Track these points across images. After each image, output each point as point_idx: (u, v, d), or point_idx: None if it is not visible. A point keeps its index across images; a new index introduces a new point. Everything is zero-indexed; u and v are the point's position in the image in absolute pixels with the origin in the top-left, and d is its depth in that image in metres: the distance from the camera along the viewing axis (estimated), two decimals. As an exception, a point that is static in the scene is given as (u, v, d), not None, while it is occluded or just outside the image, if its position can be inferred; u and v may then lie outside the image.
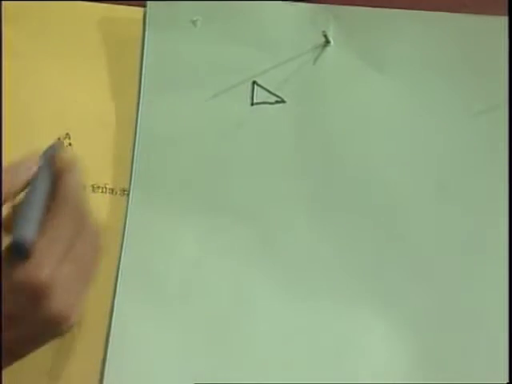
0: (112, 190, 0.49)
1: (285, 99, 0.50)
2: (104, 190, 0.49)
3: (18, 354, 0.39)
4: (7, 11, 0.51)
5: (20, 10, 0.51)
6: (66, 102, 0.50)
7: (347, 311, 0.47)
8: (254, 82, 0.50)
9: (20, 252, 0.38)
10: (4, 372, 0.40)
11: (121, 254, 0.48)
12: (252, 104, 0.50)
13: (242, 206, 0.49)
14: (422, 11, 0.51)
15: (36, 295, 0.37)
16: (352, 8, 0.51)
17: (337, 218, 0.49)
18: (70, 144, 0.50)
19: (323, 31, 0.50)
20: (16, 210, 0.40)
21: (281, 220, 0.49)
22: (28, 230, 0.38)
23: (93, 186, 0.49)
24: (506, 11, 0.50)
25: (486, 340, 0.47)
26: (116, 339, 0.47)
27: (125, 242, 0.48)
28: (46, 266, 0.38)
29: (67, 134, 0.50)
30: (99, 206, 0.48)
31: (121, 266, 0.48)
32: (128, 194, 0.49)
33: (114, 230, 0.48)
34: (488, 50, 0.50)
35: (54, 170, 0.41)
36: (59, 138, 0.49)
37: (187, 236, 0.49)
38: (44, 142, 0.49)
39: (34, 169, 0.40)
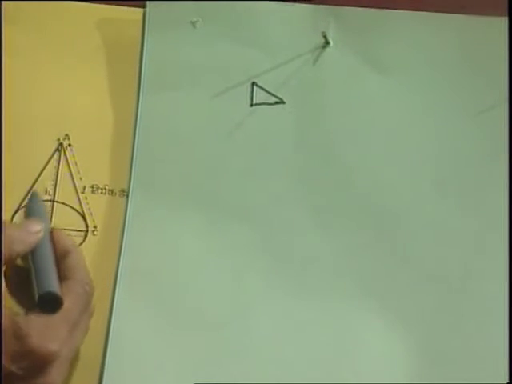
0: (111, 190, 0.49)
1: (284, 100, 0.50)
2: (103, 191, 0.49)
3: None
4: (6, 11, 0.51)
5: (19, 10, 0.51)
6: (65, 103, 0.50)
7: (346, 309, 0.47)
8: (254, 83, 0.50)
9: (52, 303, 0.41)
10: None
11: (120, 254, 0.48)
12: (251, 105, 0.50)
13: (241, 206, 0.49)
14: (421, 12, 0.51)
15: (39, 365, 0.40)
16: (351, 9, 0.51)
17: (336, 217, 0.49)
18: (69, 145, 0.50)
19: (323, 32, 0.50)
20: (33, 268, 0.43)
21: (280, 219, 0.49)
22: (56, 285, 0.42)
23: (92, 187, 0.49)
24: (506, 12, 0.50)
25: (486, 340, 0.47)
26: (115, 338, 0.46)
27: (124, 243, 0.48)
28: (56, 340, 0.40)
29: (66, 134, 0.50)
30: (99, 206, 0.49)
31: (120, 266, 0.48)
32: (127, 195, 0.49)
33: (114, 231, 0.48)
34: (487, 50, 0.50)
35: (56, 249, 0.44)
36: (59, 139, 0.50)
37: (187, 236, 0.48)
38: (44, 143, 0.50)
39: (40, 234, 0.44)
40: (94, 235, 0.48)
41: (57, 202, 0.49)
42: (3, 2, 0.51)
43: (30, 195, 0.48)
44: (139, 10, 0.51)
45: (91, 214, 0.49)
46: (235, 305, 0.47)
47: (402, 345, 0.47)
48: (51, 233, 0.45)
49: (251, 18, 0.51)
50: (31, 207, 0.46)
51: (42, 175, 0.49)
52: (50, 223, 0.48)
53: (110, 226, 0.49)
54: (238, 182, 0.49)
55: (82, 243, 0.48)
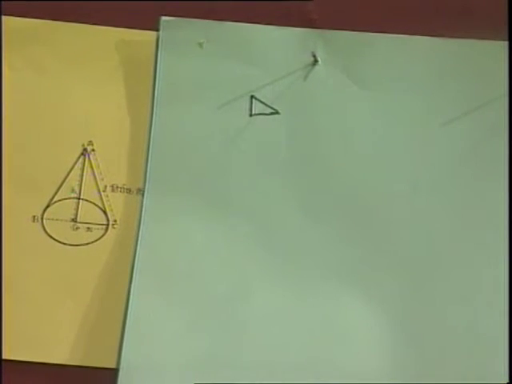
0: (129, 189, 0.51)
1: (279, 111, 0.52)
2: (122, 189, 0.51)
3: None
4: (38, 31, 0.52)
5: (48, 32, 0.52)
6: (89, 114, 0.52)
7: (334, 295, 0.49)
8: (252, 96, 0.52)
9: None
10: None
11: (137, 245, 0.49)
12: (250, 115, 0.52)
13: (242, 204, 0.50)
14: (398, 35, 0.52)
15: None
16: (338, 32, 0.52)
17: (324, 212, 0.50)
18: (93, 150, 0.51)
19: (312, 52, 0.52)
20: None
21: (276, 215, 0.50)
22: None
23: (112, 186, 0.51)
24: (469, 35, 0.51)
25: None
26: (133, 319, 0.48)
27: (140, 235, 0.50)
28: None
29: (90, 141, 0.51)
30: (118, 203, 0.51)
31: (137, 255, 0.49)
32: (143, 193, 0.50)
33: (131, 225, 0.50)
34: (453, 68, 0.52)
35: None
36: (83, 145, 0.51)
37: (194, 229, 0.50)
38: (71, 149, 0.51)
39: None
40: (113, 228, 0.50)
41: (82, 199, 0.51)
42: (34, 24, 0.52)
43: None
44: (153, 33, 0.52)
45: (112, 209, 0.51)
46: (236, 289, 0.49)
47: (387, 332, 0.48)
48: None
49: (250, 40, 0.52)
50: None
51: (70, 176, 0.51)
52: (76, 218, 0.50)
53: (128, 220, 0.50)
54: (238, 182, 0.51)
55: (103, 235, 0.50)
